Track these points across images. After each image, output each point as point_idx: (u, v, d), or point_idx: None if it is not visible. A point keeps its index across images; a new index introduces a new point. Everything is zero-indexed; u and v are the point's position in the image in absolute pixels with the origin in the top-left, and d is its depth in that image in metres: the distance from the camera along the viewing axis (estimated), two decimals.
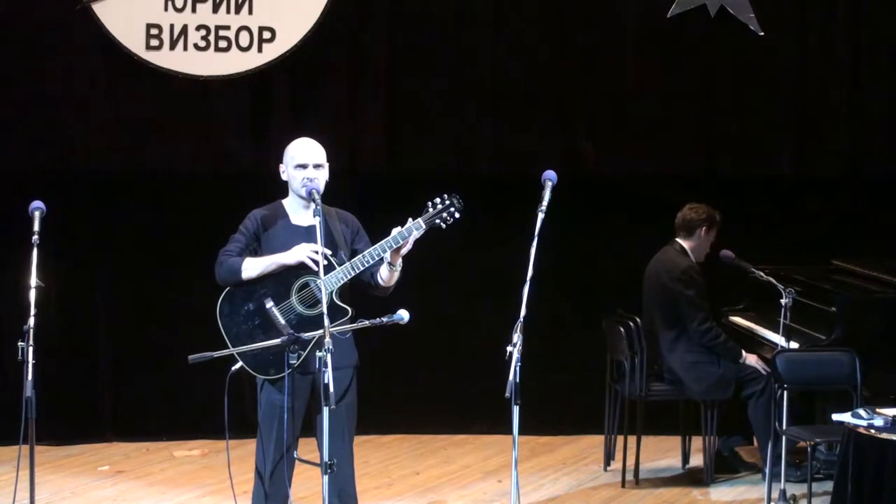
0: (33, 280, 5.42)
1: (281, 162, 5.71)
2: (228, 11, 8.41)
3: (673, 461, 8.17)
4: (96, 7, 8.25)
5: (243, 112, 8.59)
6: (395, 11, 8.64)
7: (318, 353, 5.09)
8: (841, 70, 8.95)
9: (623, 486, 7.68)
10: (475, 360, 8.39)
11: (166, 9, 8.35)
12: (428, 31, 8.70)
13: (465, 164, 8.76)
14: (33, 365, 5.30)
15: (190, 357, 5.31)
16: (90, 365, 8.58)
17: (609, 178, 8.84)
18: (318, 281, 5.41)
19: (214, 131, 8.55)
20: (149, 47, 8.33)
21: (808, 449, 6.75)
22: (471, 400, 8.65)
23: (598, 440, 8.26)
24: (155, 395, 8.59)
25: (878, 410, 6.05)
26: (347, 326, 5.46)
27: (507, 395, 5.05)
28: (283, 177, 5.70)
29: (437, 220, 5.52)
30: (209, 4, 8.39)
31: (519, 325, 5.12)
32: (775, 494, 7.02)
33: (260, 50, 8.44)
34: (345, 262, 5.55)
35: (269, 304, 5.55)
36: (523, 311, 5.15)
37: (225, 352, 5.47)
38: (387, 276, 5.60)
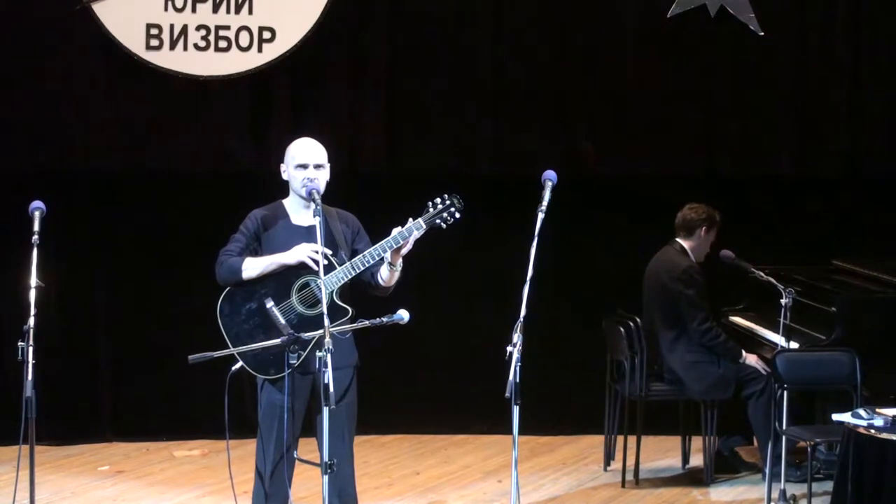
0: (33, 280, 5.42)
1: (282, 162, 5.71)
2: (228, 11, 8.40)
3: (673, 461, 8.17)
4: (96, 7, 8.25)
5: (243, 112, 8.58)
6: (395, 11, 8.64)
7: (319, 353, 5.10)
8: (841, 70, 8.95)
9: (623, 486, 7.68)
10: (475, 360, 8.39)
11: (166, 9, 8.35)
12: (428, 31, 8.70)
13: (465, 164, 8.76)
14: (33, 365, 5.30)
15: (190, 357, 5.32)
16: (90, 365, 8.58)
17: (609, 178, 8.84)
18: (319, 281, 5.41)
19: (214, 131, 8.55)
20: (149, 47, 8.33)
21: (808, 449, 6.75)
22: (471, 400, 8.65)
23: (598, 440, 8.26)
24: (155, 395, 8.59)
25: (878, 410, 6.05)
26: (347, 326, 5.47)
27: (507, 395, 5.05)
28: (284, 176, 5.70)
29: (438, 221, 5.52)
30: (209, 4, 8.39)
31: (519, 325, 5.12)
32: (775, 494, 7.02)
33: (260, 50, 8.44)
34: (345, 262, 5.55)
35: (270, 303, 5.55)
36: (523, 311, 5.15)
37: (225, 352, 5.47)
38: (387, 276, 5.60)
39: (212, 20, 8.39)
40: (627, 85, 8.83)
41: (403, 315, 5.33)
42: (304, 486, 6.53)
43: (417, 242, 5.53)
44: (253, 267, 5.60)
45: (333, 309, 5.43)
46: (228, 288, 5.65)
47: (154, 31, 8.33)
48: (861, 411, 6.07)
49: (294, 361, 5.42)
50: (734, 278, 8.20)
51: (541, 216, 5.29)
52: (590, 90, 8.83)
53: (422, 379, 8.85)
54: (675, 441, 8.17)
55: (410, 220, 5.51)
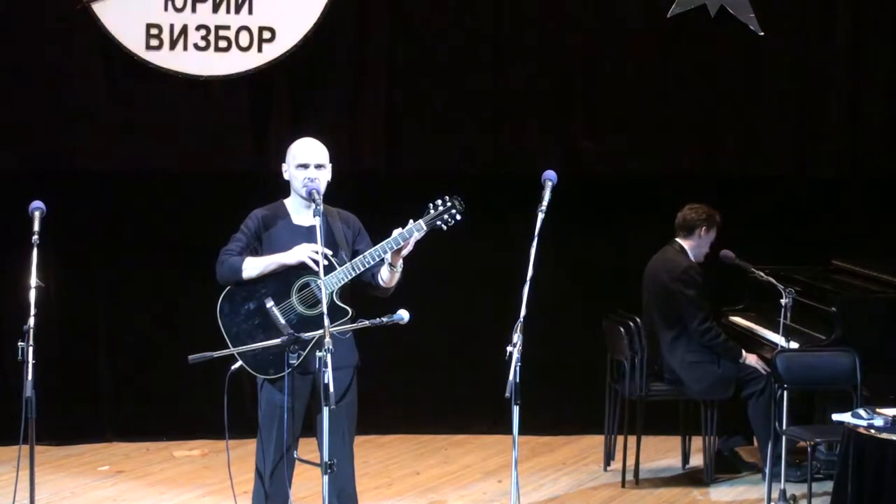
0: (33, 280, 5.42)
1: (283, 161, 5.71)
2: (228, 11, 8.40)
3: (673, 461, 8.17)
4: (96, 7, 8.25)
5: (243, 112, 8.58)
6: (394, 11, 8.64)
7: (318, 353, 5.10)
8: (841, 70, 8.94)
9: (623, 486, 7.68)
10: (475, 360, 8.39)
11: (166, 9, 8.34)
12: (428, 31, 8.70)
13: (465, 164, 8.76)
14: (33, 365, 5.30)
15: (190, 357, 5.32)
16: (90, 365, 8.58)
17: (609, 178, 8.84)
18: (319, 281, 5.41)
19: (214, 131, 8.55)
20: (149, 47, 8.33)
21: (808, 449, 6.75)
22: (471, 400, 8.66)
23: (598, 440, 8.26)
24: (155, 395, 8.59)
25: (878, 410, 6.05)
26: (347, 326, 5.46)
27: (507, 395, 5.05)
28: (285, 176, 5.70)
29: (439, 222, 5.52)
30: (209, 4, 8.38)
31: (519, 325, 5.12)
32: (775, 494, 7.02)
33: (260, 50, 8.44)
34: (346, 263, 5.55)
35: (270, 303, 5.55)
36: (523, 311, 5.14)
37: (225, 352, 5.47)
38: (387, 277, 5.60)
39: (212, 20, 8.39)
40: (627, 85, 8.83)
41: (403, 315, 5.33)
42: (304, 486, 6.53)
43: (417, 243, 5.53)
44: (253, 266, 5.60)
45: (333, 309, 5.43)
46: (229, 287, 5.65)
47: (154, 31, 8.33)
48: (861, 411, 6.08)
49: (294, 361, 5.43)
50: (734, 278, 8.20)
51: (541, 216, 5.29)
52: (590, 90, 8.83)
53: (422, 379, 8.85)
54: (675, 441, 8.17)
55: (411, 221, 5.51)
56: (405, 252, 5.54)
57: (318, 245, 5.39)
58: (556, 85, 8.81)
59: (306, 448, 5.66)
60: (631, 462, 7.69)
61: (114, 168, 8.47)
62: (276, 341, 5.42)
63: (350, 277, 5.53)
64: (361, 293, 5.70)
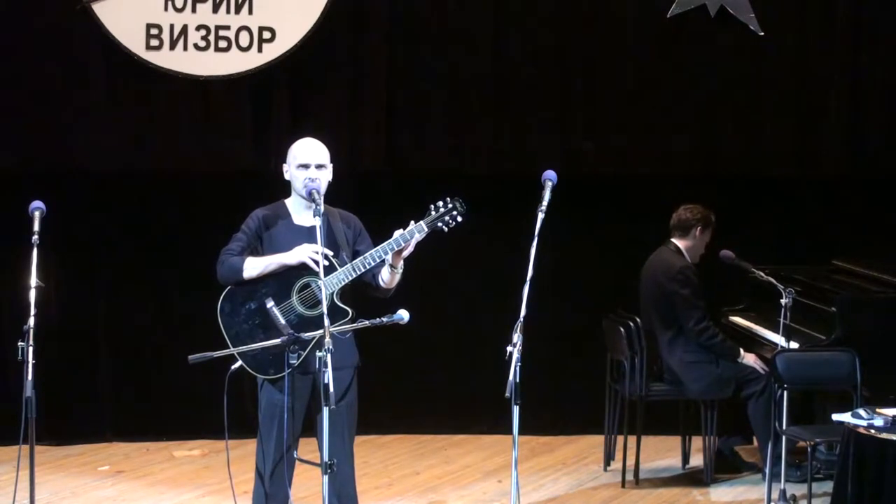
0: (33, 280, 5.42)
1: (284, 161, 5.71)
2: (228, 11, 8.40)
3: (673, 461, 8.17)
4: (96, 7, 8.25)
5: (243, 112, 8.58)
6: (394, 11, 8.64)
7: (319, 354, 5.10)
8: (840, 70, 8.94)
9: (623, 486, 7.68)
10: (475, 360, 8.40)
11: (166, 9, 8.34)
12: (428, 31, 8.70)
13: (465, 164, 8.76)
14: (33, 365, 5.30)
15: (190, 357, 5.32)
16: (90, 365, 8.58)
17: (609, 178, 8.84)
18: (319, 281, 5.41)
19: (214, 131, 8.55)
20: (149, 47, 8.33)
21: (808, 449, 6.75)
22: (471, 400, 8.66)
23: (598, 440, 8.26)
24: (155, 395, 8.59)
25: (878, 410, 6.04)
26: (347, 326, 5.47)
27: (507, 395, 5.05)
28: (286, 176, 5.70)
29: (440, 224, 5.52)
30: (209, 4, 8.38)
31: (519, 325, 5.12)
32: (775, 494, 7.02)
33: (260, 50, 8.44)
34: (346, 263, 5.55)
35: (270, 303, 5.56)
36: (523, 311, 5.15)
37: (225, 352, 5.47)
38: (388, 277, 5.61)
39: (212, 20, 8.39)
40: (627, 85, 8.83)
41: (403, 315, 5.33)
42: (304, 486, 6.53)
43: (418, 243, 5.53)
44: (254, 266, 5.60)
45: (333, 310, 5.43)
46: (229, 287, 5.65)
47: (154, 31, 8.33)
48: (861, 411, 6.07)
49: (294, 361, 5.43)
50: (734, 278, 8.20)
51: (541, 216, 5.29)
52: (590, 90, 8.83)
53: (422, 379, 8.85)
54: (675, 441, 8.17)
55: (412, 222, 5.51)
56: (406, 253, 5.54)
57: (319, 245, 5.40)
58: (556, 85, 8.80)
59: (306, 448, 5.66)
60: (631, 462, 7.69)
61: (114, 168, 8.46)
62: (277, 341, 5.42)
63: (351, 278, 5.53)
64: (362, 293, 5.70)
